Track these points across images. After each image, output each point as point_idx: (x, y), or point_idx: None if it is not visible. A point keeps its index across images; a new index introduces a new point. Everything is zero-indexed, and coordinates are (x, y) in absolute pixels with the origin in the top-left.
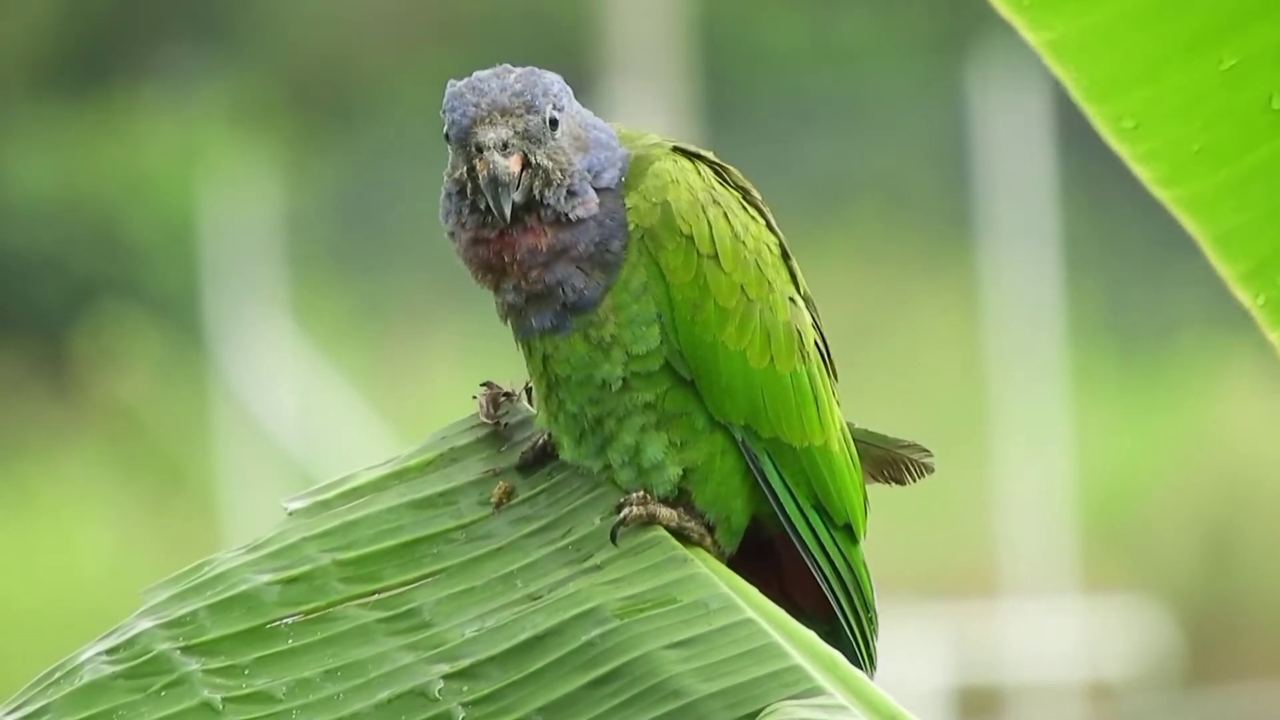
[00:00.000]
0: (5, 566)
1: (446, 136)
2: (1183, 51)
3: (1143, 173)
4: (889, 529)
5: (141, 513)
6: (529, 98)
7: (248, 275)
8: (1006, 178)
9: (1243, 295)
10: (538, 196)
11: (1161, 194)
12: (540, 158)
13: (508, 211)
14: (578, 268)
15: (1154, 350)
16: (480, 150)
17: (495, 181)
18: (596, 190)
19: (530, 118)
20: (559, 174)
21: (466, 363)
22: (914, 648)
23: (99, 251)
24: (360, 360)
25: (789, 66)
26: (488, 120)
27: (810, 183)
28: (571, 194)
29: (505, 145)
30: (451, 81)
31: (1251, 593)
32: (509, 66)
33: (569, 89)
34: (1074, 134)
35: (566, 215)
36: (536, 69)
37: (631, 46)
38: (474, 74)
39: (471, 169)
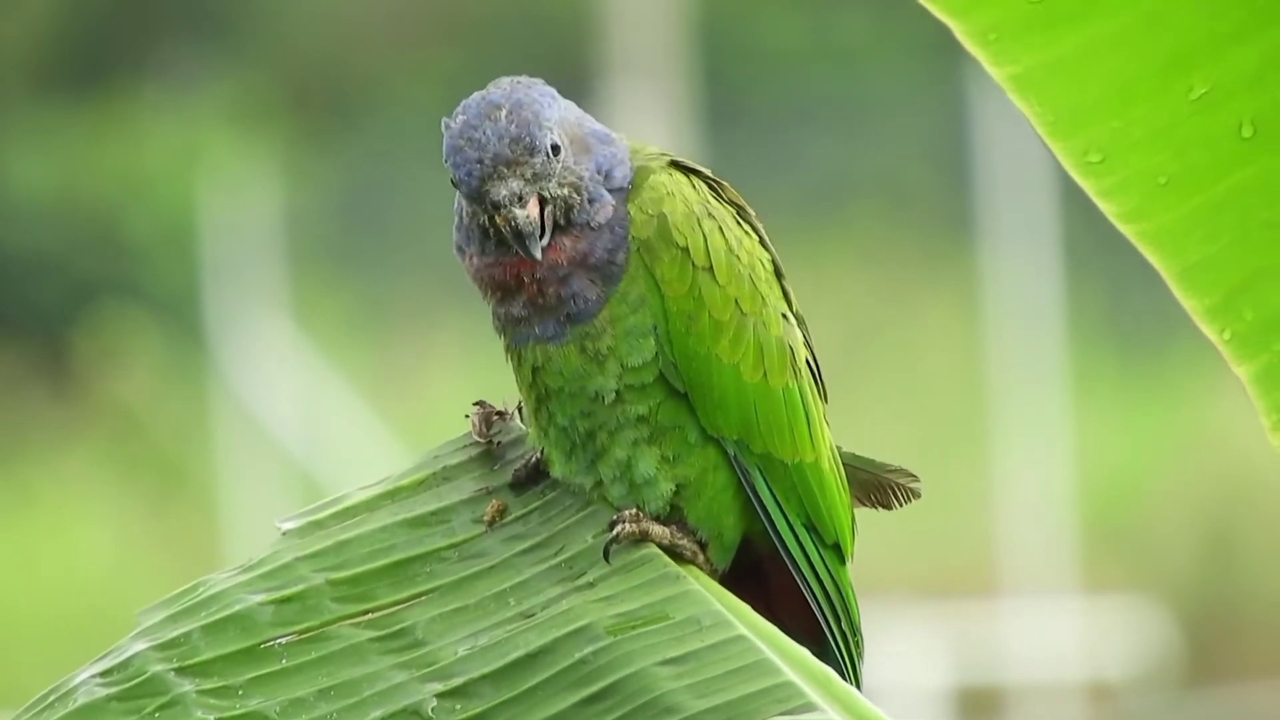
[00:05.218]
0: (5, 567)
1: (454, 183)
2: (1153, 80)
3: (1107, 208)
4: (889, 529)
5: (141, 513)
6: (528, 139)
7: (248, 275)
8: (1006, 178)
9: (1209, 330)
10: (561, 222)
11: (1126, 229)
12: (554, 189)
13: (538, 253)
14: (589, 279)
15: (1154, 350)
16: (497, 208)
17: (519, 234)
18: (610, 191)
19: (535, 160)
20: (575, 195)
21: (467, 362)
22: (914, 648)
23: (99, 251)
24: (360, 360)
25: (789, 66)
26: (495, 175)
27: (810, 183)
28: (591, 201)
29: (520, 197)
30: (445, 122)
31: (1251, 593)
32: (496, 98)
33: (552, 91)
34: None
35: (588, 223)
36: (521, 86)
37: (631, 46)
38: (464, 112)
39: (492, 219)
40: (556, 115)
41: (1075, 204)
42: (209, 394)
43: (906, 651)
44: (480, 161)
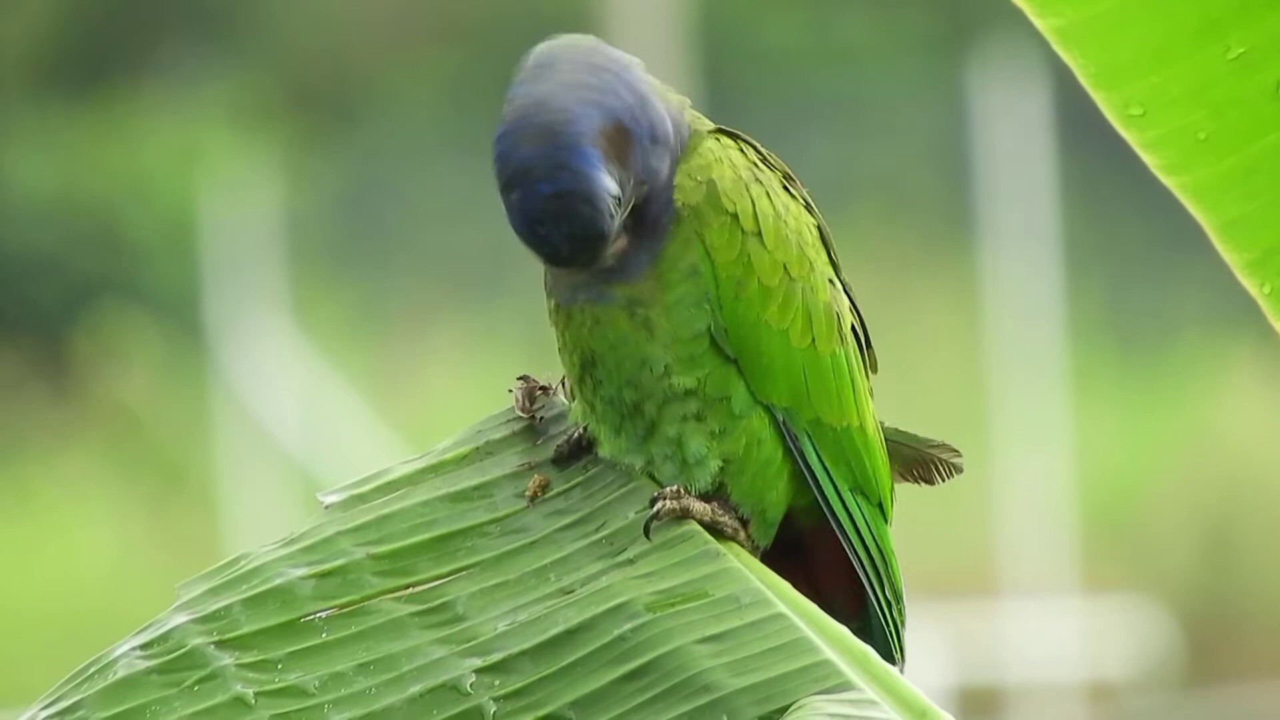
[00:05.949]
0: (5, 567)
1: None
2: (1191, 38)
3: (1149, 159)
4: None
5: (141, 513)
6: (595, 233)
7: (248, 275)
8: (1006, 178)
9: (1248, 283)
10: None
11: (1168, 181)
12: (620, 216)
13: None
14: (639, 239)
15: (1154, 350)
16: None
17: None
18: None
19: (607, 243)
20: (639, 194)
21: (467, 362)
22: (914, 648)
23: (99, 251)
24: (360, 360)
25: (789, 66)
26: (575, 268)
27: (810, 183)
28: (650, 170)
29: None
30: (501, 191)
31: (1251, 593)
32: (545, 187)
33: (585, 119)
34: (1074, 134)
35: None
36: (555, 145)
37: (631, 46)
38: (516, 186)
39: None
40: (604, 165)
41: (1075, 204)
42: (209, 394)
43: (907, 651)
44: (555, 259)
